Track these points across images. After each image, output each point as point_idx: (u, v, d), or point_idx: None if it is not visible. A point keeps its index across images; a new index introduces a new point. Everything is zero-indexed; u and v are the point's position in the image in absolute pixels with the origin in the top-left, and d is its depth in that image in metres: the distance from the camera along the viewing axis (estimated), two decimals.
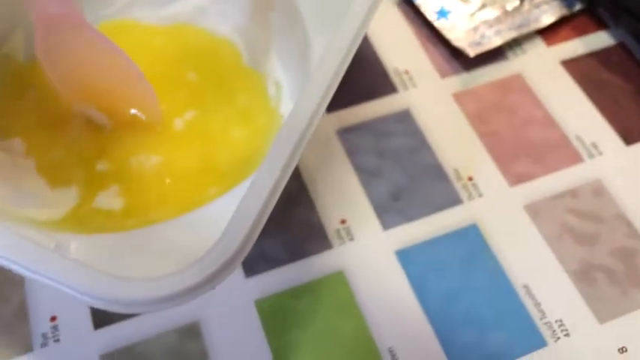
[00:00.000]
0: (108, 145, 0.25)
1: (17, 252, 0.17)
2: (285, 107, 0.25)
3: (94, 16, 0.28)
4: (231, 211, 0.17)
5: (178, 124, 0.25)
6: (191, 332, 0.23)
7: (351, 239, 0.25)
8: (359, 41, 0.21)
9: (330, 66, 0.20)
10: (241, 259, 0.17)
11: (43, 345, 0.23)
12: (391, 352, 0.23)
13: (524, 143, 0.28)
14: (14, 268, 0.17)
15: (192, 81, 0.27)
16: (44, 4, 0.22)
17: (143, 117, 0.25)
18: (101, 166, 0.24)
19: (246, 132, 0.25)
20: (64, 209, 0.23)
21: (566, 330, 0.23)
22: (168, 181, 0.24)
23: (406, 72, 0.30)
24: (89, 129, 0.25)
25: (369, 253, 0.25)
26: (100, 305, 0.16)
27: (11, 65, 0.26)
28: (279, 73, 0.26)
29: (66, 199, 0.23)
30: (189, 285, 0.16)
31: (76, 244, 0.20)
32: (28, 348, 0.22)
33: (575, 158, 0.27)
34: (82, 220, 0.23)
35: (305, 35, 0.24)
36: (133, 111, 0.25)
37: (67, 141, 0.25)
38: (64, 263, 0.16)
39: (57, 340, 0.23)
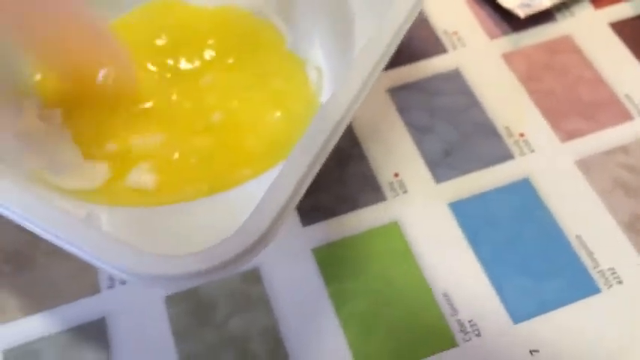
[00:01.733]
0: (140, 121, 0.25)
1: (58, 224, 0.17)
2: (326, 94, 0.26)
3: None
4: (261, 193, 0.18)
5: (212, 106, 0.26)
6: (252, 277, 0.24)
7: (405, 192, 0.26)
8: (402, 34, 0.21)
9: (371, 57, 0.20)
10: (270, 239, 0.18)
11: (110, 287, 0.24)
12: (446, 296, 0.23)
13: (574, 101, 0.28)
14: (56, 241, 0.17)
15: (231, 63, 0.27)
16: None
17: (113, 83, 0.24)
18: (134, 141, 0.25)
19: (282, 116, 0.25)
20: (97, 181, 0.24)
21: (619, 278, 0.23)
22: (199, 159, 0.24)
23: (455, 33, 0.30)
24: (123, 104, 0.25)
25: (423, 206, 0.25)
26: (133, 280, 0.17)
27: None
28: (320, 59, 0.26)
29: (99, 171, 0.24)
30: (223, 260, 0.17)
31: (107, 216, 0.20)
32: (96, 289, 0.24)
33: (625, 116, 0.27)
34: (114, 193, 0.23)
35: (349, 21, 0.24)
36: (101, 73, 0.24)
37: (102, 115, 0.25)
38: (107, 242, 0.17)
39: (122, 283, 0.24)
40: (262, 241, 0.17)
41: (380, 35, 0.21)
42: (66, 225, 0.17)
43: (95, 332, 0.23)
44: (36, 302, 0.23)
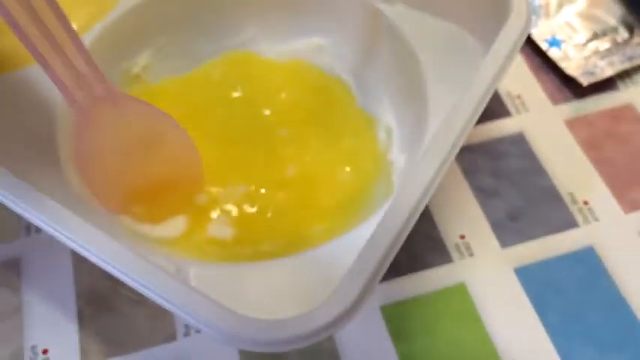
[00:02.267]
0: (219, 173, 0.26)
1: (158, 284, 0.18)
2: (395, 153, 0.26)
3: (218, 46, 0.29)
4: (338, 259, 0.19)
5: (286, 159, 0.26)
6: None
7: (471, 255, 0.26)
8: (480, 112, 0.21)
9: (448, 140, 0.20)
10: (362, 307, 0.18)
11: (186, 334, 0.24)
12: None
13: (637, 171, 0.28)
14: (157, 299, 0.18)
15: (303, 117, 0.28)
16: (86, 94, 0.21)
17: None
18: (213, 192, 0.25)
19: (351, 173, 0.26)
20: (178, 232, 0.24)
21: None
22: (270, 214, 0.25)
23: (518, 97, 0.31)
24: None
25: (489, 269, 0.26)
26: (221, 340, 0.18)
27: (140, 86, 0.28)
28: (390, 118, 0.27)
29: (180, 222, 0.24)
30: (313, 329, 0.17)
31: (195, 271, 0.21)
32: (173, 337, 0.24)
33: None
34: (198, 246, 0.24)
35: (420, 83, 0.25)
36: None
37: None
38: (195, 296, 0.18)
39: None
40: (354, 309, 0.18)
41: (460, 110, 0.21)
42: (167, 285, 0.18)
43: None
44: (116, 347, 0.24)
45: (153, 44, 0.28)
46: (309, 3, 0.29)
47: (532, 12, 0.32)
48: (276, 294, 0.20)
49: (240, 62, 0.29)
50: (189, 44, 0.29)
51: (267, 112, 0.28)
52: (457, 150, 0.21)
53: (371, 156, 0.26)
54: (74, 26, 0.20)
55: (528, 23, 0.23)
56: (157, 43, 0.28)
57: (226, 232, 0.24)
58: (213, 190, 0.25)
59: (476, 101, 0.21)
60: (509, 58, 0.22)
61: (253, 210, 0.25)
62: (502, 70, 0.22)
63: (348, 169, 0.26)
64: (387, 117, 0.27)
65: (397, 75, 0.27)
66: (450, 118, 0.21)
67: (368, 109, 0.28)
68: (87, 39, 0.26)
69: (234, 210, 0.25)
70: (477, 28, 0.25)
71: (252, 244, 0.24)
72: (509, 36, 0.22)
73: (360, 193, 0.25)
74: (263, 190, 0.26)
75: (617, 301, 0.25)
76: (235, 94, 0.28)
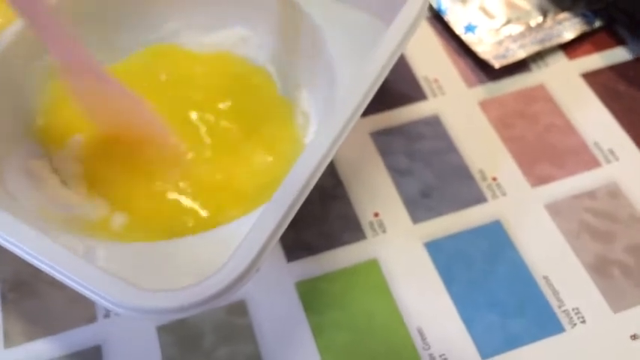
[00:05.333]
0: (137, 161, 0.26)
1: (56, 259, 0.19)
2: (310, 136, 0.27)
3: (141, 40, 0.30)
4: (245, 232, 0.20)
5: (206, 147, 0.27)
6: (238, 309, 0.25)
7: (384, 231, 0.27)
8: (381, 80, 0.23)
9: (347, 108, 0.22)
10: (251, 275, 0.19)
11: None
12: (420, 332, 0.25)
13: (545, 148, 0.30)
14: (52, 272, 0.19)
15: (225, 108, 0.28)
16: (60, 54, 0.24)
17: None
18: (132, 178, 0.26)
19: (270, 159, 0.27)
20: (96, 216, 0.25)
21: (583, 317, 0.25)
22: (192, 197, 0.26)
23: (435, 80, 0.32)
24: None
25: (401, 244, 0.27)
26: (122, 312, 0.19)
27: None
28: (307, 103, 0.28)
29: (99, 207, 0.25)
30: (205, 297, 0.18)
31: (104, 251, 0.22)
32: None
33: (593, 163, 0.29)
34: (110, 229, 0.25)
35: (330, 69, 0.26)
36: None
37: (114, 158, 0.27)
38: (95, 273, 0.19)
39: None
40: (243, 278, 0.19)
41: (356, 86, 0.22)
42: (65, 260, 0.19)
43: (92, 357, 0.24)
44: (38, 329, 0.25)
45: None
46: None
47: None
48: (184, 270, 0.21)
49: (163, 55, 0.30)
50: (111, 38, 0.29)
51: (189, 101, 0.29)
52: (352, 123, 0.22)
53: (289, 141, 0.27)
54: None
55: (424, 6, 0.24)
56: (80, 37, 0.29)
57: (130, 217, 0.25)
58: (132, 175, 0.26)
59: (369, 80, 0.22)
60: (405, 36, 0.24)
61: (169, 194, 0.26)
62: (398, 47, 0.23)
63: (266, 154, 0.27)
64: (305, 102, 0.28)
65: (311, 61, 0.28)
66: (344, 97, 0.22)
67: (288, 95, 0.29)
68: (7, 34, 0.26)
69: (148, 194, 0.26)
70: (382, 12, 0.26)
71: (166, 227, 0.25)
72: (406, 16, 0.24)
73: (278, 177, 0.26)
74: (181, 176, 0.26)
75: (520, 271, 0.26)
76: (162, 79, 0.29)
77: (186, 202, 0.26)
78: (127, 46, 0.30)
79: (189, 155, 0.27)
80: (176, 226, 0.25)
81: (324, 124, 0.22)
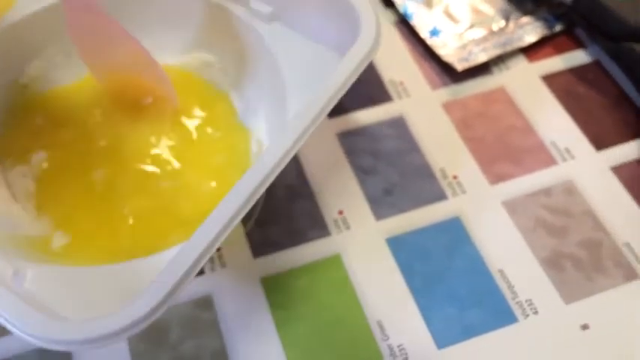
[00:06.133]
0: (91, 181, 0.27)
1: None
2: None
3: None
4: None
5: (154, 168, 0.27)
6: (204, 304, 0.26)
7: (348, 228, 0.28)
8: (328, 109, 0.23)
9: (288, 139, 0.22)
10: (165, 307, 0.19)
11: None
12: (380, 324, 0.26)
13: (504, 147, 0.31)
14: None
15: (183, 131, 0.28)
16: None
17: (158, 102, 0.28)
18: (77, 199, 0.26)
19: (217, 186, 0.27)
20: (37, 235, 0.25)
21: (535, 309, 0.26)
22: (131, 221, 0.26)
23: (401, 83, 0.33)
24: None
25: (363, 240, 0.28)
26: (32, 341, 0.19)
27: (29, 93, 0.29)
28: (262, 132, 0.28)
29: (42, 227, 0.25)
30: (113, 330, 0.18)
31: (33, 273, 0.21)
32: None
33: (549, 161, 0.30)
34: (47, 248, 0.24)
35: (284, 98, 0.26)
36: (148, 99, 0.28)
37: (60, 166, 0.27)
38: (7, 298, 0.19)
39: None
40: (155, 311, 0.19)
41: (299, 117, 0.23)
42: None
43: (63, 353, 0.25)
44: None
45: (44, 54, 0.29)
46: (195, 19, 0.30)
47: (416, 2, 0.35)
48: (114, 296, 0.21)
49: None
50: (76, 58, 0.29)
51: (147, 122, 0.29)
52: (293, 151, 0.22)
53: (239, 169, 0.27)
54: None
55: (376, 42, 0.25)
56: (48, 53, 0.29)
57: (68, 240, 0.25)
58: (79, 197, 0.26)
59: (312, 113, 0.23)
60: (356, 69, 0.24)
61: (114, 215, 0.26)
62: (348, 79, 0.24)
63: (214, 182, 0.27)
64: (260, 130, 0.29)
65: (269, 90, 0.28)
66: (288, 126, 0.23)
67: (246, 122, 0.29)
68: None
69: (87, 218, 0.26)
70: (338, 45, 0.27)
71: (109, 246, 0.25)
72: (359, 49, 0.25)
73: None
74: (126, 198, 0.26)
75: (477, 265, 0.27)
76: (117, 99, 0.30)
77: (128, 225, 0.26)
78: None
79: (130, 176, 0.27)
80: (116, 249, 0.25)
81: (264, 153, 0.22)
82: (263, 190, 0.22)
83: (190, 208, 0.26)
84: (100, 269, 0.22)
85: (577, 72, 0.34)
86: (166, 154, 0.27)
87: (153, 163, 0.27)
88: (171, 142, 0.28)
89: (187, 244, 0.20)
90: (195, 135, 0.29)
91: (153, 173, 0.27)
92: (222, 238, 0.21)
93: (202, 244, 0.20)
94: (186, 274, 0.20)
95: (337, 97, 0.24)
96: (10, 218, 0.26)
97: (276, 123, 0.27)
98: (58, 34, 0.29)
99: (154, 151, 0.27)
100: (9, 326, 0.19)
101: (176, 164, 0.27)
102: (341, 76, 0.24)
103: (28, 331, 0.19)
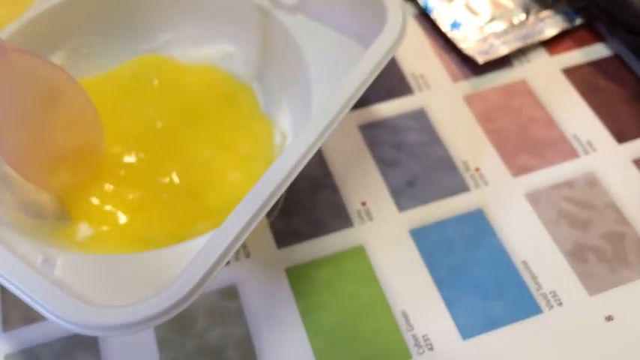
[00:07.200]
0: (112, 168, 0.27)
1: (5, 268, 0.20)
2: None
3: (132, 50, 0.30)
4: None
5: (178, 159, 0.27)
6: (229, 293, 0.26)
7: (371, 219, 0.28)
8: (352, 103, 0.24)
9: (314, 130, 0.22)
10: (195, 295, 0.19)
11: None
12: (404, 314, 0.26)
13: (526, 140, 0.31)
14: (7, 285, 0.20)
15: (205, 122, 0.29)
16: None
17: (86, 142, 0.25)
18: (103, 187, 0.26)
19: (242, 176, 0.27)
20: (62, 226, 0.25)
21: (560, 300, 0.26)
22: (161, 210, 0.26)
23: (422, 76, 0.33)
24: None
25: (386, 231, 0.28)
26: (67, 327, 0.19)
27: None
28: (286, 124, 0.29)
29: (66, 218, 0.25)
30: (144, 317, 0.19)
31: (62, 260, 0.22)
32: None
33: (571, 154, 0.30)
34: (73, 239, 0.25)
35: (309, 88, 0.26)
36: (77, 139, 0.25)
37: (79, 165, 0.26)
38: (40, 283, 0.19)
39: None
40: (187, 299, 0.19)
41: (325, 109, 0.23)
42: (10, 268, 0.20)
43: (89, 341, 0.25)
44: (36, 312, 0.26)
45: (67, 45, 0.29)
46: (218, 12, 0.30)
47: None
48: (144, 284, 0.21)
49: (152, 64, 0.30)
50: (103, 47, 0.30)
51: (173, 114, 0.29)
52: (319, 144, 0.22)
53: (264, 160, 0.28)
54: None
55: (402, 33, 0.25)
56: (71, 45, 0.29)
57: (104, 227, 0.25)
58: (105, 184, 0.26)
59: (338, 105, 0.23)
60: (381, 61, 0.25)
61: (144, 205, 0.26)
62: (373, 70, 0.24)
63: (239, 173, 0.27)
64: (284, 122, 0.29)
65: (293, 81, 0.28)
66: (312, 119, 0.23)
67: (269, 114, 0.29)
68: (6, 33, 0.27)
69: (118, 205, 0.26)
70: (362, 36, 0.27)
71: (135, 236, 0.25)
72: (383, 41, 0.25)
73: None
74: (154, 188, 0.26)
75: (501, 256, 0.27)
76: (151, 85, 0.30)
77: (154, 215, 0.26)
78: (117, 54, 0.30)
79: (158, 164, 0.27)
80: (143, 237, 0.25)
81: (288, 147, 0.22)
82: (291, 180, 0.22)
83: (216, 198, 0.26)
84: (126, 257, 0.22)
85: (597, 65, 0.34)
86: (192, 142, 0.28)
87: (179, 149, 0.27)
88: (194, 132, 0.28)
89: (218, 233, 0.20)
90: (217, 125, 0.29)
91: (178, 160, 0.27)
92: (252, 228, 0.21)
93: (233, 232, 0.20)
94: (218, 263, 0.20)
95: (362, 89, 0.24)
96: (36, 208, 0.26)
97: (301, 115, 0.27)
98: (81, 26, 0.29)
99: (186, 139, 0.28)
100: (43, 311, 0.19)
101: (207, 153, 0.27)
102: (366, 67, 0.24)
103: (64, 317, 0.19)
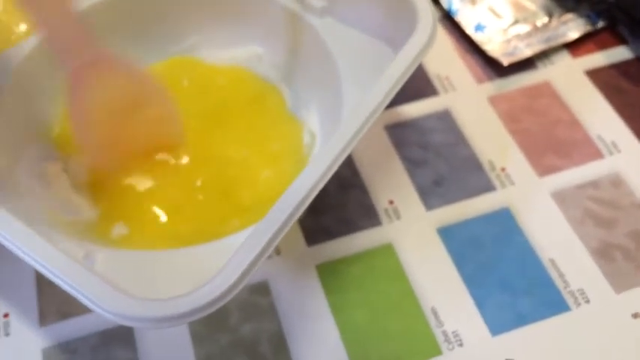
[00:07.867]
0: (149, 166, 0.27)
1: (53, 262, 0.20)
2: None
3: (161, 52, 0.31)
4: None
5: (211, 158, 0.28)
6: (262, 289, 0.27)
7: (398, 218, 0.29)
8: (384, 105, 0.24)
9: (349, 131, 0.23)
10: (237, 290, 0.20)
11: None
12: (434, 311, 0.26)
13: (551, 141, 0.31)
14: (48, 274, 0.20)
15: (238, 122, 0.29)
16: (78, 56, 0.24)
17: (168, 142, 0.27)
18: (139, 185, 0.27)
19: (273, 175, 0.28)
20: (98, 224, 0.26)
21: (587, 298, 0.26)
22: (195, 208, 0.26)
23: (446, 77, 0.34)
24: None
25: (414, 230, 0.28)
26: (109, 318, 0.19)
27: None
28: (315, 123, 0.29)
29: (102, 216, 0.26)
30: (189, 309, 0.19)
31: (103, 257, 0.22)
32: None
33: (596, 154, 0.31)
34: (109, 236, 0.25)
35: (339, 90, 0.27)
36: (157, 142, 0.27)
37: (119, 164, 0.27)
38: (87, 277, 0.20)
39: None
40: (230, 292, 0.20)
41: (359, 110, 0.23)
42: (58, 263, 0.20)
43: (124, 335, 0.26)
44: (72, 307, 0.26)
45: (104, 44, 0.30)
46: (246, 14, 0.31)
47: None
48: (182, 279, 0.21)
49: (183, 66, 0.31)
50: (134, 50, 0.30)
51: (205, 114, 0.29)
52: (353, 145, 0.23)
53: (294, 159, 0.28)
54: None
55: (432, 37, 0.26)
56: (109, 44, 0.30)
57: (142, 225, 0.26)
58: (140, 182, 0.27)
59: (371, 106, 0.24)
60: (412, 64, 0.25)
61: (178, 203, 0.27)
62: (404, 73, 0.25)
63: (270, 171, 0.28)
64: (313, 122, 0.29)
65: (322, 83, 0.29)
66: (346, 120, 0.23)
67: (297, 114, 0.30)
68: (31, 43, 0.27)
69: (153, 203, 0.27)
70: (392, 40, 0.28)
71: (170, 234, 0.26)
72: (414, 45, 0.25)
73: (278, 193, 0.25)
74: (187, 187, 0.27)
75: (528, 254, 0.28)
76: (182, 85, 0.30)
77: (188, 213, 0.26)
78: (149, 56, 0.31)
79: (192, 163, 0.28)
80: (176, 236, 0.26)
81: (324, 146, 0.23)
82: (326, 181, 0.22)
83: (249, 196, 0.27)
84: (163, 254, 0.23)
85: (620, 67, 0.34)
86: (224, 141, 0.28)
87: (212, 148, 0.28)
88: (225, 131, 0.29)
89: (256, 231, 0.21)
90: (247, 125, 0.29)
91: (213, 162, 0.28)
92: (289, 226, 0.21)
93: (271, 230, 0.21)
94: (257, 259, 0.20)
95: (393, 92, 0.24)
96: (72, 206, 0.26)
97: (330, 115, 0.27)
98: (114, 28, 0.30)
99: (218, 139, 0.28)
100: (89, 304, 0.20)
101: (241, 152, 0.28)
102: (397, 70, 0.25)
103: (111, 309, 0.19)
